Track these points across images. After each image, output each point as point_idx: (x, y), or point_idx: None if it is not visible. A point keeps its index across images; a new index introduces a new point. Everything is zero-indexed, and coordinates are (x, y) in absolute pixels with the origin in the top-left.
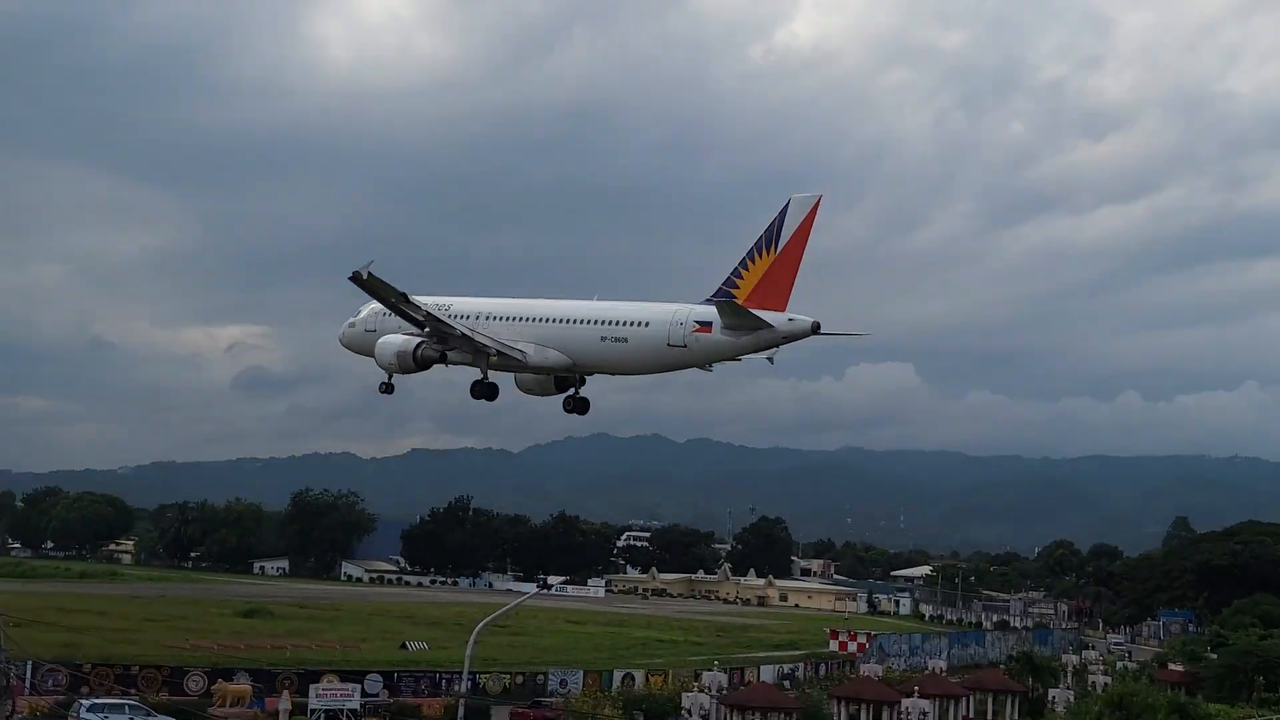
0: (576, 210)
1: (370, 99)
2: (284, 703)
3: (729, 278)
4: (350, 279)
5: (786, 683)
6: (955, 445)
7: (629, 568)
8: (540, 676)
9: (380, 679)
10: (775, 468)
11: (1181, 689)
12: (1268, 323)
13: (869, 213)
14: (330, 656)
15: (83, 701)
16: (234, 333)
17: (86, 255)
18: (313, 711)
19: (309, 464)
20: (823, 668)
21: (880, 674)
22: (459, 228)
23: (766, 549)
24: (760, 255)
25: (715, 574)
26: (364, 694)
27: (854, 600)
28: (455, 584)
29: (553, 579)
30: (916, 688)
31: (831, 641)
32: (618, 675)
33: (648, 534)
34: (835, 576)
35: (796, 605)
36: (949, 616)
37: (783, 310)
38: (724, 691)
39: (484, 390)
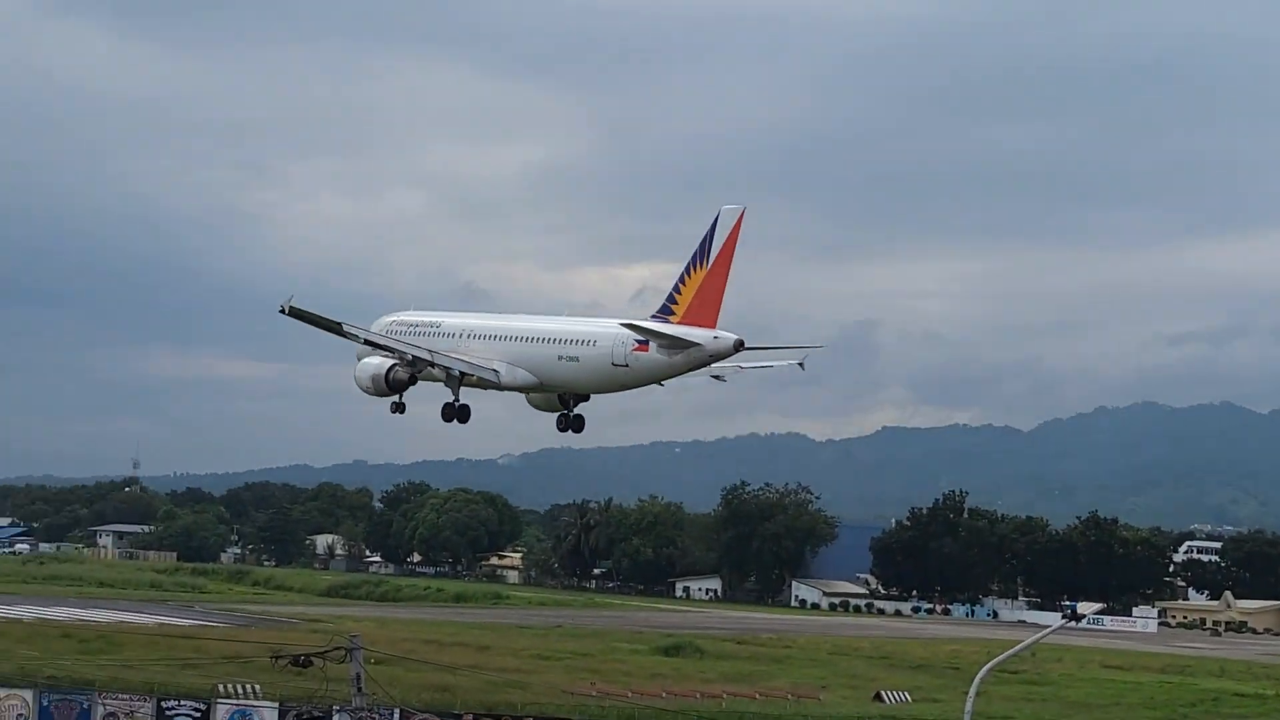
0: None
1: None
2: None
3: (670, 293)
4: (280, 312)
5: None
6: None
7: (1191, 591)
8: None
9: None
10: None
11: None
12: None
13: None
14: (780, 710)
15: None
16: (641, 273)
17: (454, 178)
18: None
19: (745, 449)
20: None
21: None
22: (942, 117)
23: None
24: (695, 269)
25: None
26: None
27: None
28: (947, 612)
29: (1083, 607)
30: None
31: None
32: None
33: (1218, 544)
34: None
35: None
36: None
37: (713, 326)
38: None
39: (454, 413)
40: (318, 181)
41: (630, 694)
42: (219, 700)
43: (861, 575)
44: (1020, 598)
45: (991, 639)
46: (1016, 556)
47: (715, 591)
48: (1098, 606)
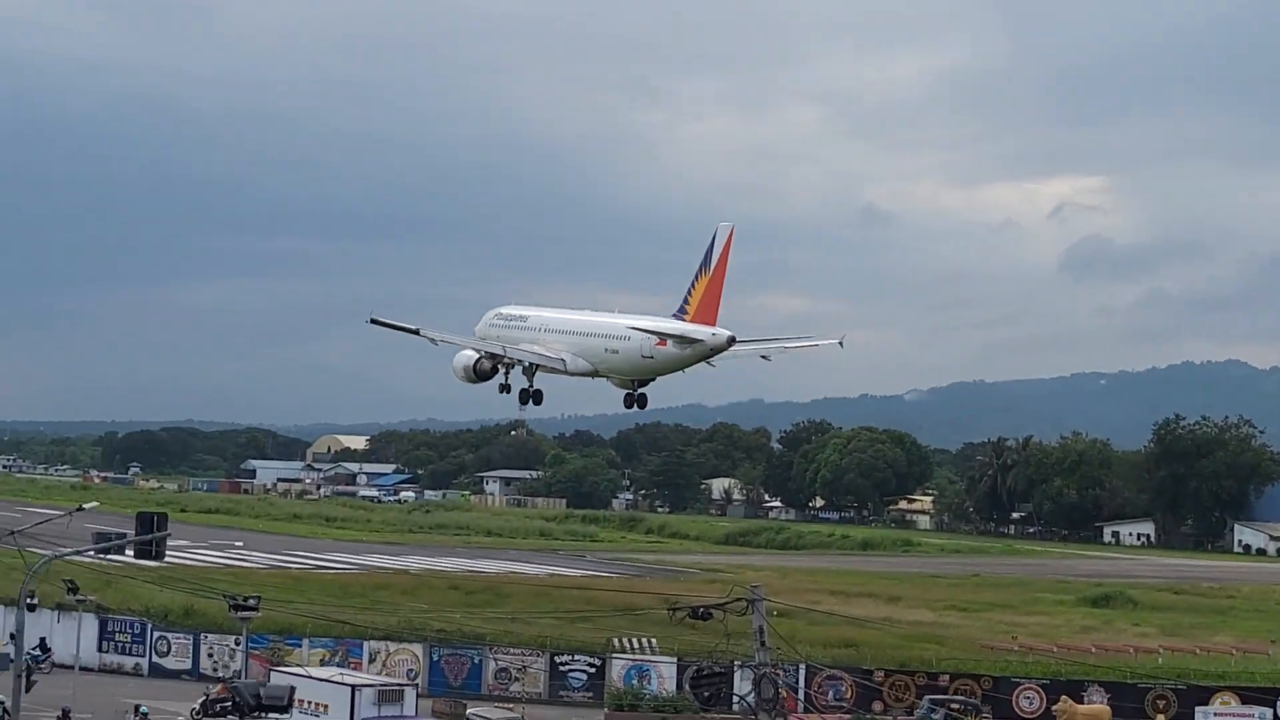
0: None
1: None
2: None
3: (685, 296)
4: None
5: None
6: None
7: None
8: None
9: None
10: None
11: None
12: None
13: None
14: (1223, 666)
15: None
16: (1060, 188)
17: (849, 90)
18: None
19: (1177, 379)
20: None
21: None
22: None
23: None
24: (701, 277)
25: None
26: None
27: None
28: None
29: None
30: None
31: None
32: None
33: None
34: None
35: None
36: None
37: (714, 325)
38: None
39: (528, 396)
40: (707, 100)
41: (1055, 648)
42: (614, 655)
43: None
44: None
45: None
46: None
47: (1148, 536)
48: None
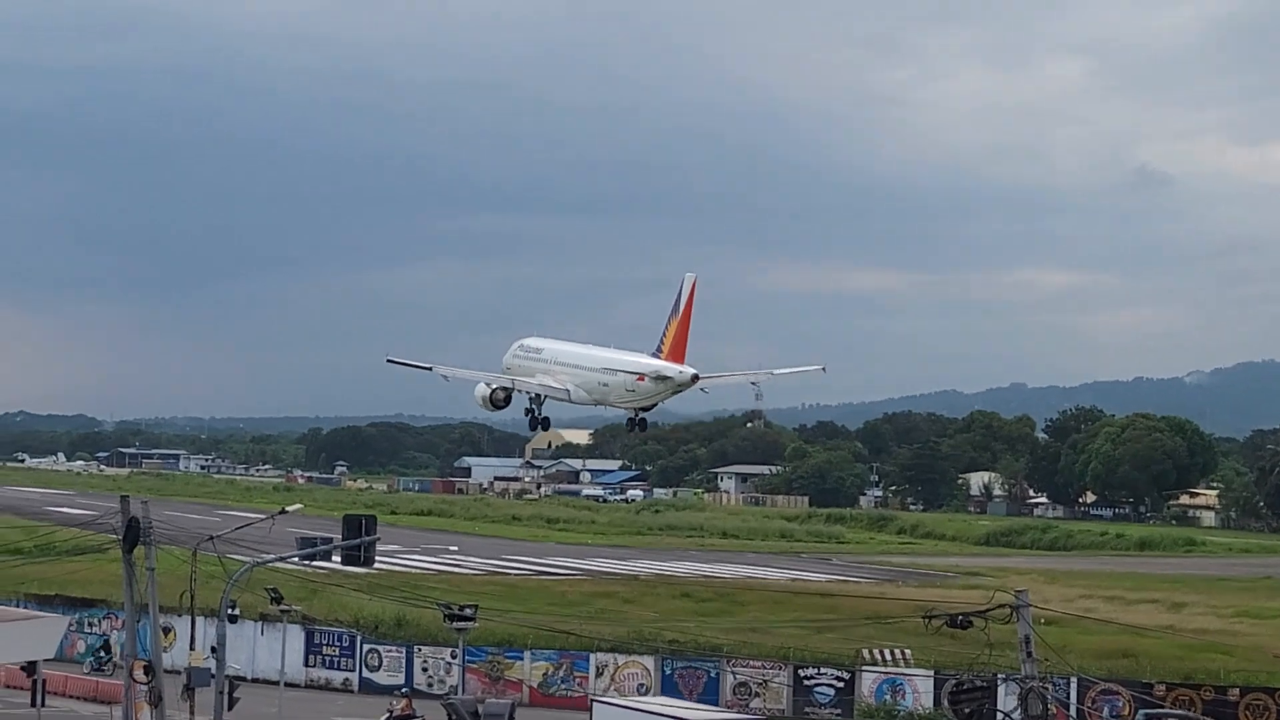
0: None
1: None
2: None
3: (660, 339)
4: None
5: None
6: None
7: None
8: None
9: None
10: None
11: None
12: None
13: None
14: None
15: None
16: None
17: (1118, 40)
18: None
19: None
20: None
21: None
22: None
23: None
24: (671, 320)
25: None
26: None
27: None
28: None
29: None
30: None
31: None
32: None
33: None
34: None
35: None
36: None
37: (682, 363)
38: None
39: (537, 422)
40: (957, 54)
41: None
42: (864, 668)
43: None
44: None
45: None
46: None
47: None
48: None
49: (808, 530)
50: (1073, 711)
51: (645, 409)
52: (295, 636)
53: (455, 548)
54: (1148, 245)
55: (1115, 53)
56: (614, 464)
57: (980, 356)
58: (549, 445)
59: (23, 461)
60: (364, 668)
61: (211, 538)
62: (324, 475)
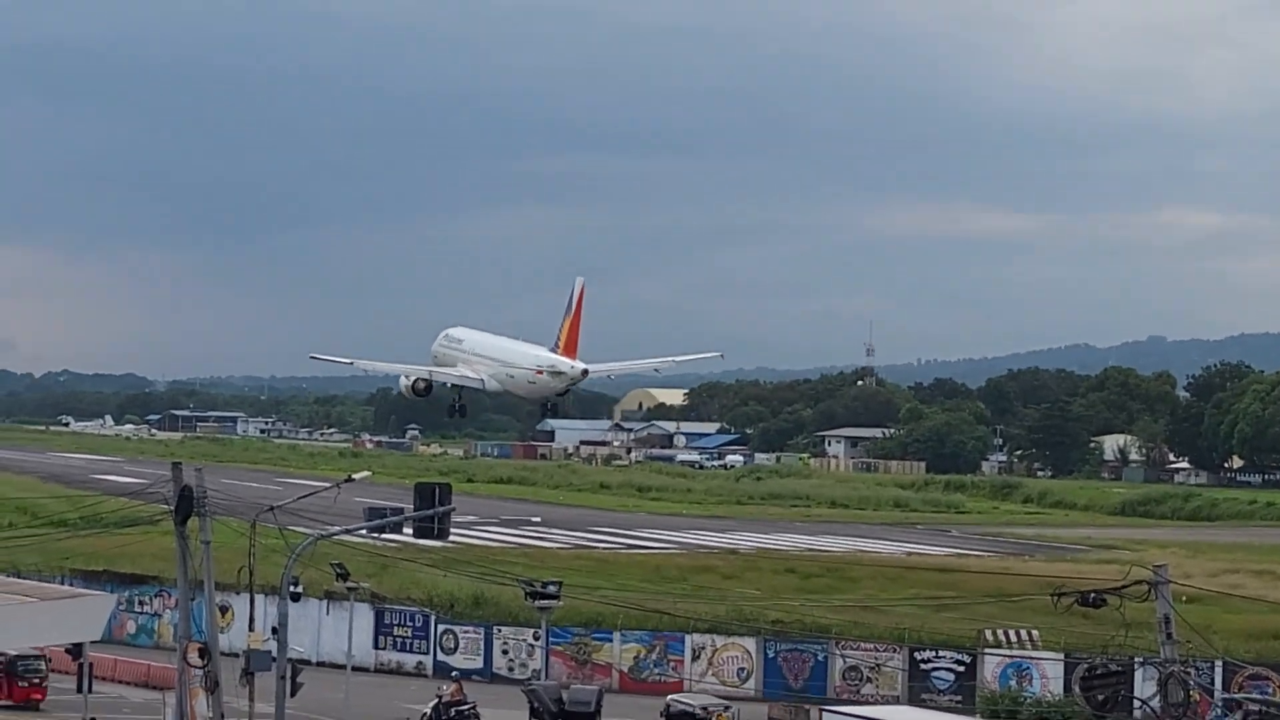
0: None
1: None
2: None
3: (556, 335)
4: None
5: None
6: None
7: None
8: None
9: None
10: None
11: None
12: None
13: None
14: None
15: None
16: None
17: None
18: None
19: None
20: None
21: None
22: None
23: None
24: (565, 318)
25: None
26: None
27: None
28: None
29: None
30: None
31: None
32: None
33: None
34: None
35: None
36: None
37: (574, 358)
38: None
39: (454, 410)
40: None
41: None
42: (986, 650)
43: None
44: None
45: None
46: None
47: None
48: None
49: (924, 499)
50: (1217, 698)
51: (555, 400)
52: (363, 616)
53: (538, 519)
54: None
55: None
56: (711, 426)
57: (1115, 307)
58: (640, 406)
59: (67, 425)
60: (439, 650)
61: (272, 508)
62: (394, 439)
